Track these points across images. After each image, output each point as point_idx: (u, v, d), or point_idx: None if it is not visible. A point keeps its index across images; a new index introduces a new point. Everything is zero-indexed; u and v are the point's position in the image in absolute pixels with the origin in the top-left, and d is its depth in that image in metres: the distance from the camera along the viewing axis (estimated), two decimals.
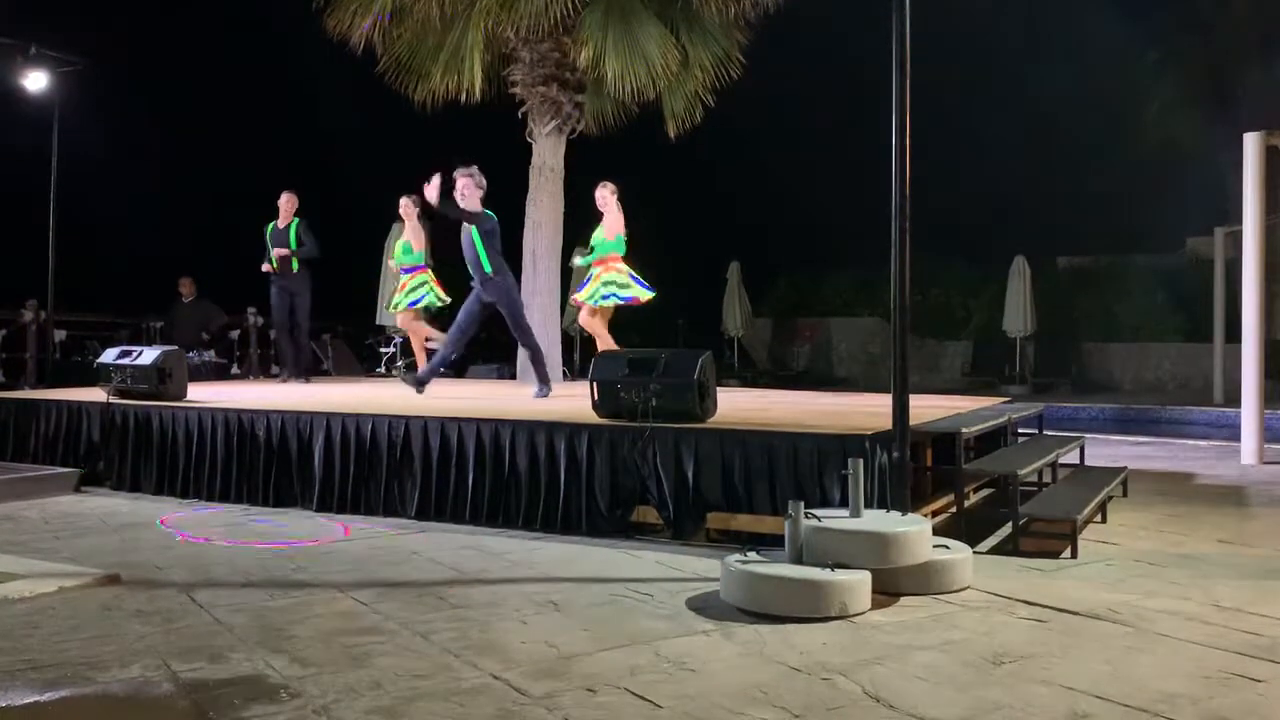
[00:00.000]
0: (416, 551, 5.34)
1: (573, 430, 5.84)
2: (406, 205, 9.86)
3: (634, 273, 8.82)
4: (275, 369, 10.56)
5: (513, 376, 13.02)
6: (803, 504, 4.44)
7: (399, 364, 12.66)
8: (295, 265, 10.09)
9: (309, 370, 10.66)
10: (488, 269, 7.97)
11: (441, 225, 9.19)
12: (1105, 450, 9.42)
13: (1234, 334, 10.33)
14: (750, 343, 22.18)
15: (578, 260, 9.45)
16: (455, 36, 12.11)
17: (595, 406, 5.90)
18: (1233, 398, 11.99)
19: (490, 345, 17.58)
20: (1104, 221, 21.90)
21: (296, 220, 10.16)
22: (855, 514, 4.53)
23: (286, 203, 10.20)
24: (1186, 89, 19.67)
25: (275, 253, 10.07)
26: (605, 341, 8.83)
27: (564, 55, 12.19)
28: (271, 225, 10.19)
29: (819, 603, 4.05)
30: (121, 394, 7.58)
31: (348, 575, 4.80)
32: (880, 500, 5.00)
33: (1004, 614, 4.14)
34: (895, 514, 4.67)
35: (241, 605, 4.25)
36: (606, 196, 8.87)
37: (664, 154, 13.46)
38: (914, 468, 5.43)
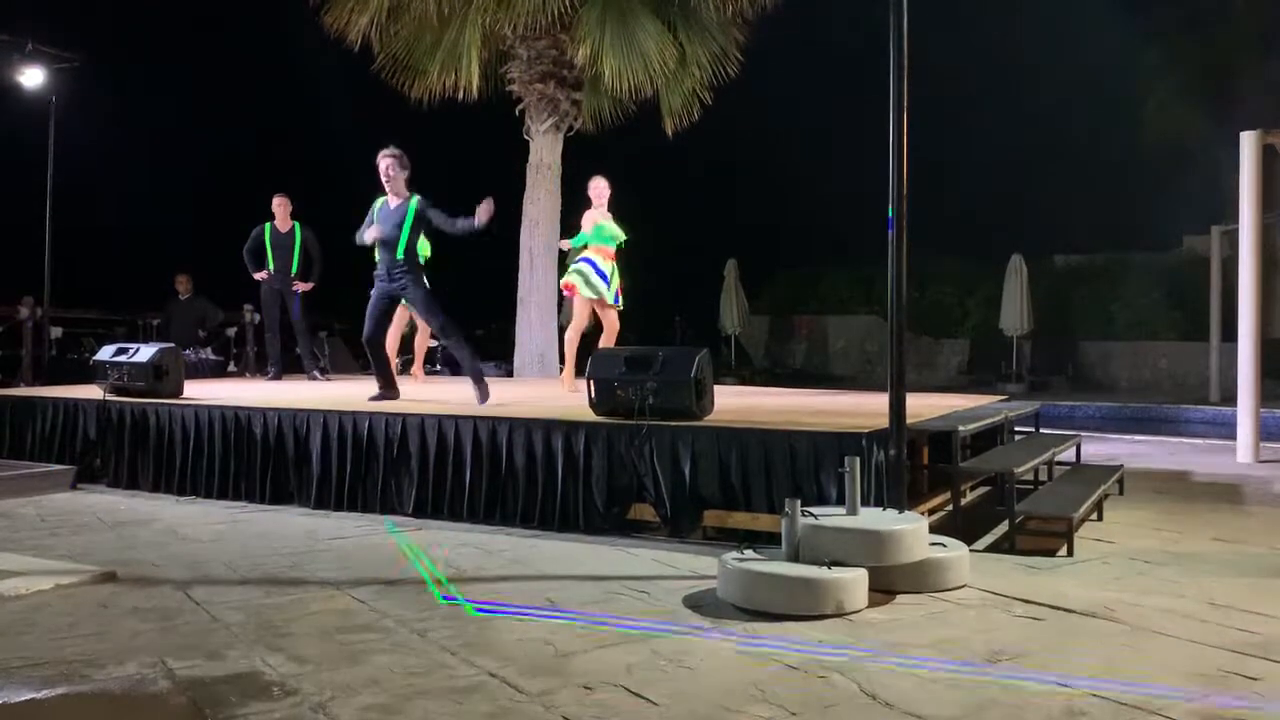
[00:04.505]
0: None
1: (570, 428, 5.84)
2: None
3: (593, 271, 8.63)
4: (271, 368, 10.55)
5: (509, 374, 13.02)
6: (799, 502, 4.44)
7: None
8: (295, 270, 10.15)
9: (320, 367, 10.66)
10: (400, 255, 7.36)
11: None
12: (1102, 448, 9.44)
13: (1230, 332, 10.33)
14: (747, 340, 22.20)
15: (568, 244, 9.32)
16: (453, 34, 12.11)
17: (592, 404, 5.90)
18: (1229, 396, 12.00)
19: (489, 341, 17.58)
20: (1101, 219, 21.94)
21: (298, 224, 10.19)
22: (852, 512, 4.53)
23: (281, 206, 10.19)
24: (1184, 87, 19.69)
25: (299, 286, 10.18)
26: (572, 337, 8.71)
27: (561, 53, 12.19)
28: (269, 228, 10.16)
29: (815, 601, 4.05)
30: (118, 391, 7.58)
31: (344, 573, 4.80)
32: (877, 498, 5.00)
33: (1000, 612, 4.15)
34: (892, 512, 4.67)
35: (238, 603, 4.24)
36: (602, 189, 8.77)
37: (661, 151, 13.46)
38: (911, 466, 5.43)
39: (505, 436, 6.01)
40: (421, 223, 7.40)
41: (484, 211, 7.04)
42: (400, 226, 7.34)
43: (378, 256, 7.49)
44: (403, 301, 8.37)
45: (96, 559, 5.00)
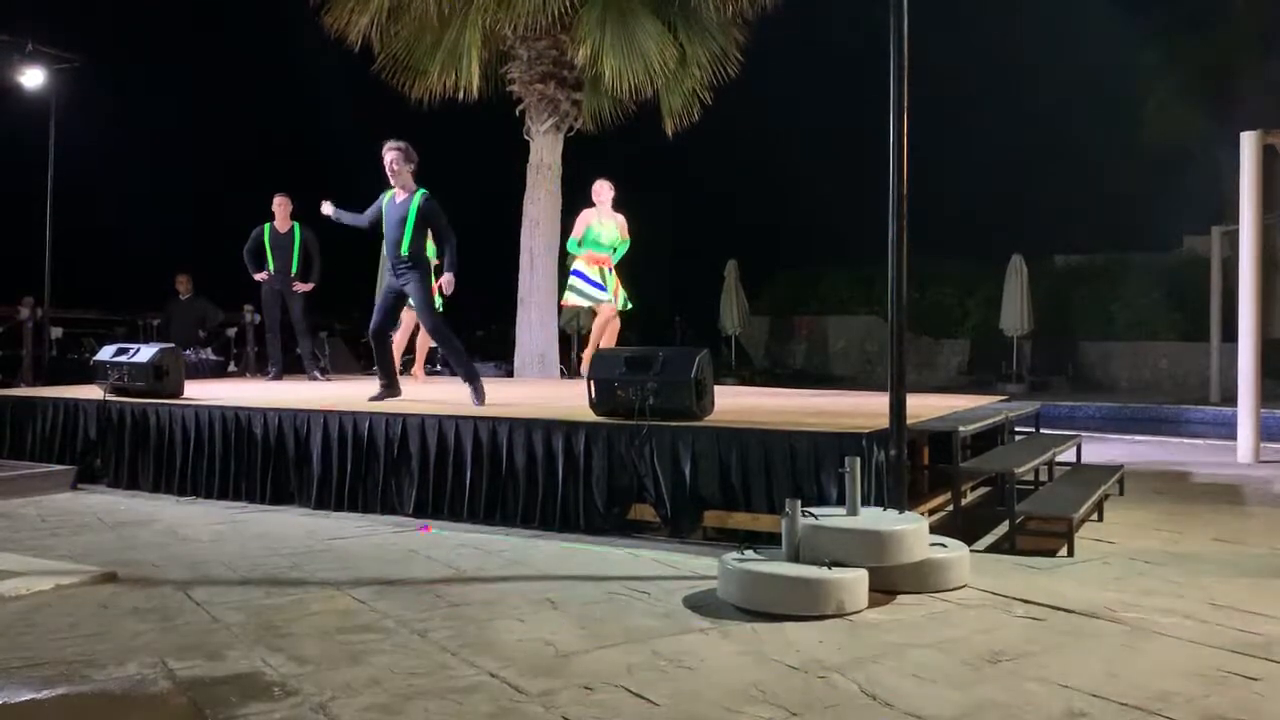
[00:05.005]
0: (414, 549, 5.34)
1: (570, 428, 5.84)
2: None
3: (584, 282, 8.73)
4: (271, 368, 10.55)
5: (509, 374, 13.02)
6: (800, 502, 4.44)
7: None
8: (295, 270, 10.16)
9: (320, 367, 10.67)
10: (405, 251, 7.36)
11: None
12: (1102, 449, 9.43)
13: (1231, 332, 10.33)
14: (747, 341, 22.20)
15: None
16: (453, 34, 12.12)
17: (592, 404, 5.90)
18: (1229, 396, 12.00)
19: (489, 342, 17.58)
20: (1101, 220, 21.96)
21: (297, 224, 10.18)
22: (852, 512, 4.53)
23: (281, 206, 10.20)
24: (1184, 87, 19.71)
25: (299, 287, 10.20)
26: (600, 324, 8.80)
27: (561, 53, 12.20)
28: (268, 229, 10.16)
29: (816, 601, 4.05)
30: (118, 391, 7.58)
31: (345, 573, 4.80)
32: (877, 498, 5.00)
33: (1001, 612, 4.15)
34: (892, 512, 4.67)
35: (238, 603, 4.24)
36: (602, 190, 8.81)
37: (661, 151, 13.47)
38: (911, 466, 5.43)
39: (505, 437, 6.01)
40: (425, 222, 7.35)
41: (448, 285, 7.41)
42: (403, 224, 7.30)
43: (384, 251, 7.53)
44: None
45: (97, 559, 5.00)
